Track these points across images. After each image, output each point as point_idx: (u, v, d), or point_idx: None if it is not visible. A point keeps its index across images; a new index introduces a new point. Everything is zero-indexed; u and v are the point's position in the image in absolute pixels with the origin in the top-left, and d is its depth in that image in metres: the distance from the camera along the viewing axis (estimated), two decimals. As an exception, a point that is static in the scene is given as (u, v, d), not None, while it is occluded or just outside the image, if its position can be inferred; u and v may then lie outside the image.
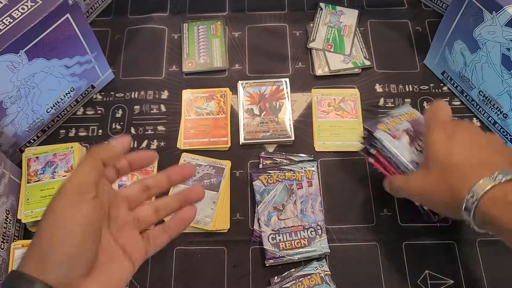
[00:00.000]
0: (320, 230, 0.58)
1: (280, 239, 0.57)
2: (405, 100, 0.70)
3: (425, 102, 0.70)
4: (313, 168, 0.62)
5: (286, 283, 0.55)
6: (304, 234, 0.58)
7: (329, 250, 0.57)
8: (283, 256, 0.57)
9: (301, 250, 0.57)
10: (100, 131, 0.68)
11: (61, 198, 0.36)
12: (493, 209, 0.42)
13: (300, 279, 0.55)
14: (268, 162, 0.64)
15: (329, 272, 0.56)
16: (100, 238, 0.38)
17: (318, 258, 0.57)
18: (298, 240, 0.57)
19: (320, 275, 0.55)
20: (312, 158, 0.64)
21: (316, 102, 0.69)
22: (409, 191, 0.50)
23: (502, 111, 0.63)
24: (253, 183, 0.61)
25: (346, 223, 0.61)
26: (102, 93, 0.71)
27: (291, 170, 0.61)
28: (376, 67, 0.72)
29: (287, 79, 0.70)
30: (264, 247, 0.57)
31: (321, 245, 0.57)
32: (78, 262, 0.35)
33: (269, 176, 0.61)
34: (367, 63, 0.72)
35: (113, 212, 0.40)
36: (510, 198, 0.41)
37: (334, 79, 0.71)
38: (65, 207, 0.35)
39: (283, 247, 0.57)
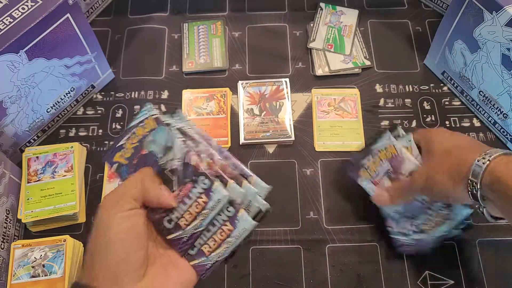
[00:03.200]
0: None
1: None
2: (405, 100, 0.70)
3: (425, 102, 0.70)
4: None
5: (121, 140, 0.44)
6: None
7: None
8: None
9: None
10: (100, 131, 0.68)
11: (106, 208, 0.38)
12: (506, 170, 0.43)
13: (132, 130, 0.45)
14: None
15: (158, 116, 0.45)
16: (147, 245, 0.39)
17: None
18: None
19: (151, 116, 0.45)
20: None
21: (316, 102, 0.69)
22: (415, 186, 0.51)
23: (502, 111, 0.63)
24: None
25: (346, 223, 0.61)
26: (102, 93, 0.71)
27: None
28: (376, 67, 0.72)
29: (287, 79, 0.70)
30: None
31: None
32: (126, 268, 0.36)
33: None
34: (367, 63, 0.72)
35: None
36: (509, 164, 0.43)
37: (334, 79, 0.71)
38: (110, 217, 0.37)
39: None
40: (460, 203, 0.52)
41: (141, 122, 0.45)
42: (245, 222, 0.40)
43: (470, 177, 0.45)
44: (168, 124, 0.44)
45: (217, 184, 0.40)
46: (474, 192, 0.44)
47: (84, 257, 0.38)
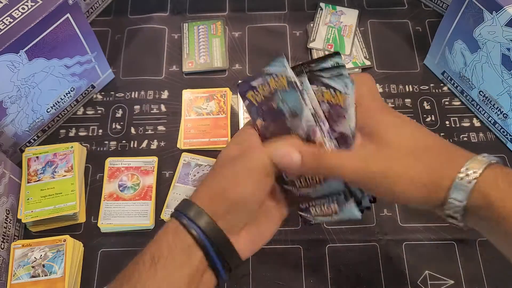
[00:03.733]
0: None
1: None
2: (405, 100, 0.70)
3: (425, 102, 0.70)
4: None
5: (256, 80, 0.44)
6: None
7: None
8: None
9: None
10: (100, 131, 0.68)
11: (247, 165, 0.41)
12: (497, 191, 0.34)
13: (267, 79, 0.43)
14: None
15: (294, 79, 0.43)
16: (264, 198, 0.43)
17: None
18: None
19: (286, 78, 0.42)
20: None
21: (316, 102, 0.69)
22: (368, 173, 0.38)
23: (502, 111, 0.63)
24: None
25: (346, 223, 0.60)
26: (102, 93, 0.71)
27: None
28: (376, 67, 0.72)
29: (287, 79, 0.70)
30: None
31: None
32: (244, 212, 0.41)
33: None
34: (367, 63, 0.72)
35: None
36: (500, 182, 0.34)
37: (334, 79, 0.71)
38: (248, 176, 0.40)
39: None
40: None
41: (275, 74, 0.43)
42: (350, 213, 0.44)
43: (451, 197, 0.35)
44: (300, 91, 0.42)
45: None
46: (454, 215, 0.36)
47: (207, 184, 0.42)
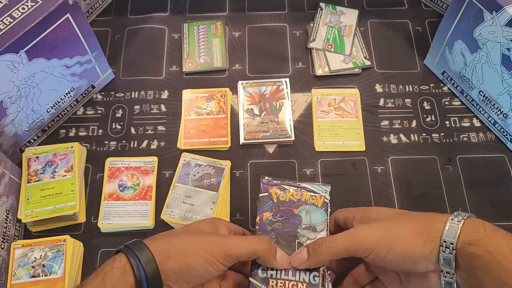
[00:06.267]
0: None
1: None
2: (405, 100, 0.70)
3: (425, 102, 0.70)
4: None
5: (286, 184, 0.52)
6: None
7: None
8: None
9: None
10: (100, 131, 0.68)
11: (214, 244, 0.42)
12: (485, 233, 0.38)
13: (302, 190, 0.51)
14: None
15: (328, 202, 0.51)
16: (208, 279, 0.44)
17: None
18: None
19: (324, 199, 0.50)
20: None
21: (316, 102, 0.69)
22: (360, 246, 0.42)
23: (502, 111, 0.63)
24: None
25: (346, 223, 0.61)
26: (102, 93, 0.71)
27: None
28: (376, 67, 0.72)
29: (287, 79, 0.70)
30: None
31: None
32: (194, 280, 0.42)
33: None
34: (367, 63, 0.72)
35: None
36: (486, 227, 0.39)
37: (334, 79, 0.71)
38: (209, 254, 0.42)
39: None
40: (416, 270, 0.42)
41: (314, 192, 0.51)
42: None
43: (444, 237, 0.39)
44: (328, 215, 0.50)
45: None
46: (448, 254, 0.39)
47: (166, 238, 0.43)
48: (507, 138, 0.65)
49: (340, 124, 0.67)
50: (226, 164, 0.63)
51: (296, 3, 0.79)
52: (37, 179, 0.59)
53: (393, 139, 0.66)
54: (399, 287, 0.45)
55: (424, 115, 0.68)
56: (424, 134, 0.67)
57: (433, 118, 0.68)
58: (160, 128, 0.68)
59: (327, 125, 0.67)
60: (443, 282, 0.40)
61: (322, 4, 0.78)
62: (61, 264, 0.54)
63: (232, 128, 0.67)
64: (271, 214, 0.50)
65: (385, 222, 0.43)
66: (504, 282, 0.36)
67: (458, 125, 0.68)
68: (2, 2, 0.55)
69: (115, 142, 0.67)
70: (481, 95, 0.65)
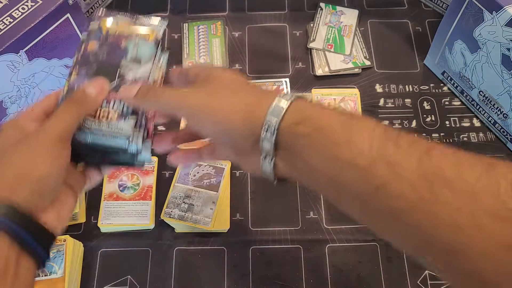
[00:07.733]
0: None
1: None
2: (405, 100, 0.70)
3: (425, 102, 0.70)
4: None
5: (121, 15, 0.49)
6: None
7: None
8: None
9: None
10: (100, 131, 0.68)
11: (41, 141, 0.39)
12: (310, 108, 0.36)
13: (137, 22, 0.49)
14: None
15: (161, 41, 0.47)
16: (65, 176, 0.40)
17: None
18: None
19: (157, 35, 0.47)
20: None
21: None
22: (188, 111, 0.40)
23: (502, 111, 0.63)
24: None
25: (346, 223, 0.61)
26: (102, 93, 0.71)
27: None
28: (376, 67, 0.72)
29: (287, 79, 0.70)
30: None
31: None
32: (48, 191, 0.38)
33: None
34: (367, 63, 0.72)
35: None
36: (314, 105, 0.36)
37: (334, 79, 0.71)
38: (46, 152, 0.38)
39: None
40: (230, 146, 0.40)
41: (148, 26, 0.48)
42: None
43: (267, 116, 0.35)
44: (161, 49, 0.46)
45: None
46: (269, 135, 0.35)
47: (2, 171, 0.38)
48: (507, 138, 0.65)
49: (340, 124, 0.67)
50: (226, 164, 0.63)
51: (296, 3, 0.79)
52: (37, 179, 0.59)
53: (393, 139, 0.66)
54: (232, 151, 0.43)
55: (424, 115, 0.68)
56: (424, 134, 0.67)
57: (433, 118, 0.68)
58: (160, 128, 0.68)
59: (327, 125, 0.67)
60: (261, 163, 0.38)
61: (322, 4, 0.78)
62: (61, 264, 0.54)
63: (232, 128, 0.67)
64: (98, 45, 0.46)
65: (219, 92, 0.40)
66: (332, 156, 0.33)
67: (458, 125, 0.68)
68: (2, 2, 0.55)
69: (115, 142, 0.67)
70: (481, 95, 0.65)
